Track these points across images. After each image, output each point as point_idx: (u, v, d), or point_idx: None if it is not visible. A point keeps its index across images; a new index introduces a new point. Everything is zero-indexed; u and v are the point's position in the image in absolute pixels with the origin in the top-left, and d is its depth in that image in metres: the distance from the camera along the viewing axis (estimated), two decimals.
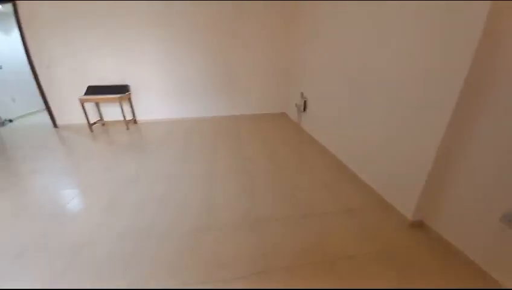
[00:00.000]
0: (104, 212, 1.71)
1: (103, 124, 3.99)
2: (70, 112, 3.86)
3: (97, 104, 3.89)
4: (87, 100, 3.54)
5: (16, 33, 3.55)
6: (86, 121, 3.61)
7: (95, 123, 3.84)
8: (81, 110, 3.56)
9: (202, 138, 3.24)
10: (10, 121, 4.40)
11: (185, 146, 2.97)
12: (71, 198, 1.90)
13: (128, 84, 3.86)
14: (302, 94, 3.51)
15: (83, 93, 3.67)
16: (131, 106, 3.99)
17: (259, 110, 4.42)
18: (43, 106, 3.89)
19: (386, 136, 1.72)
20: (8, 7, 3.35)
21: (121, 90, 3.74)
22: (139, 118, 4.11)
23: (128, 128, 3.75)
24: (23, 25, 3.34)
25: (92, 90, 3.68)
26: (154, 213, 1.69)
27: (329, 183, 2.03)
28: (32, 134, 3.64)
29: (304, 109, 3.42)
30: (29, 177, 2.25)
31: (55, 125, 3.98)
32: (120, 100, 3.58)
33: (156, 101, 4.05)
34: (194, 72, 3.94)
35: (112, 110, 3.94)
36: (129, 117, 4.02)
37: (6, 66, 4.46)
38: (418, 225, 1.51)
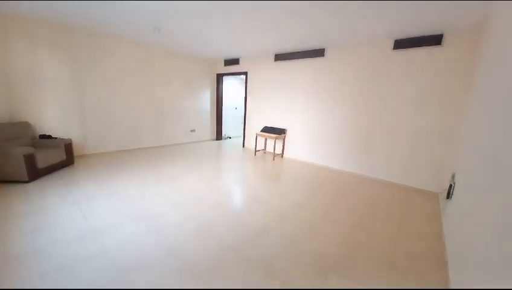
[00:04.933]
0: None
1: (264, 152, 5.60)
2: (251, 140, 5.90)
3: (265, 139, 5.58)
4: (260, 135, 5.28)
5: (242, 89, 6.22)
6: (254, 147, 5.39)
7: (259, 150, 5.54)
8: (255, 140, 5.37)
9: (329, 189, 3.39)
10: (229, 137, 7.54)
11: (308, 191, 3.26)
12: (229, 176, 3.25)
13: (286, 128, 5.15)
14: (453, 176, 2.61)
15: (260, 130, 5.50)
16: (283, 145, 5.23)
17: (404, 181, 3.74)
18: (242, 133, 6.33)
19: None
20: (243, 78, 6.04)
21: (280, 132, 5.10)
22: (286, 154, 5.26)
23: (274, 159, 4.99)
24: (248, 86, 5.83)
25: (265, 129, 5.40)
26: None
27: None
28: (232, 147, 6.09)
29: (449, 196, 2.52)
30: (224, 160, 4.04)
31: (243, 145, 6.26)
32: (276, 138, 4.93)
33: (301, 146, 4.96)
34: (338, 127, 4.37)
35: (272, 144, 5.44)
36: (279, 152, 5.29)
37: (238, 108, 7.76)
38: None
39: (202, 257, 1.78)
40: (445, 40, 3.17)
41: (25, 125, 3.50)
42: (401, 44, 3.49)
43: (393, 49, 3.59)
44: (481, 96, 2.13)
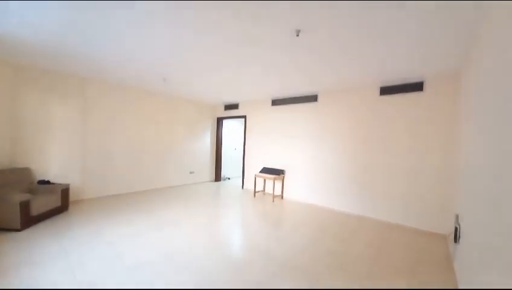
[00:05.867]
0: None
1: (264, 193, 5.51)
2: (250, 181, 5.86)
3: (264, 180, 5.56)
4: (259, 176, 5.27)
5: (242, 131, 6.43)
6: (253, 189, 5.32)
7: (258, 191, 5.47)
8: (254, 181, 5.34)
9: (330, 233, 3.24)
10: (228, 178, 7.49)
11: (309, 235, 3.12)
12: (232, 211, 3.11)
13: (284, 169, 5.18)
14: (457, 218, 2.54)
15: (259, 171, 5.52)
16: (282, 185, 5.19)
17: (407, 222, 3.62)
18: (241, 174, 6.32)
19: None
20: (242, 120, 6.32)
21: (279, 172, 5.12)
22: (285, 195, 5.18)
23: (273, 201, 4.88)
24: (246, 129, 6.06)
25: (264, 170, 5.42)
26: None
27: None
28: (231, 188, 6.01)
29: (456, 239, 2.41)
30: (223, 203, 3.93)
31: (242, 187, 6.19)
32: (274, 179, 4.91)
33: (300, 186, 4.92)
34: (335, 168, 4.41)
35: (271, 185, 5.39)
36: (278, 193, 5.22)
37: (237, 149, 7.91)
38: None
39: None
40: (426, 86, 3.46)
41: (25, 171, 3.53)
42: (387, 91, 3.80)
43: (380, 95, 3.88)
44: (473, 136, 2.23)
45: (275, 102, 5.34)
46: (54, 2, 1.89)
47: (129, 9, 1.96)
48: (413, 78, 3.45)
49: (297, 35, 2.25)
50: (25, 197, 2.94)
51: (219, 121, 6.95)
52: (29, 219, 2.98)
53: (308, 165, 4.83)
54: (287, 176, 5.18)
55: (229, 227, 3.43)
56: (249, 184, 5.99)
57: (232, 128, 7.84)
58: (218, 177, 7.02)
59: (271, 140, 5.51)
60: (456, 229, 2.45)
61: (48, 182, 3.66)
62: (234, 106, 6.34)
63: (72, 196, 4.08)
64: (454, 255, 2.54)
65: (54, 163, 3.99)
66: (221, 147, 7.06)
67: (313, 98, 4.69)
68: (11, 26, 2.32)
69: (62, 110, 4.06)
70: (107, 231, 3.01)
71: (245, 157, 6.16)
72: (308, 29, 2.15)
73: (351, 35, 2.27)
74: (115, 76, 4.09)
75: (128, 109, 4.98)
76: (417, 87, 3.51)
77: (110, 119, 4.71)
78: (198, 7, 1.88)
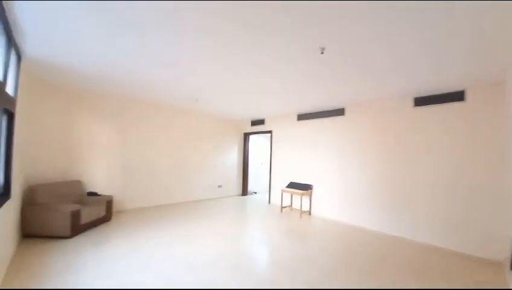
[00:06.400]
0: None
1: (291, 209, 5.40)
2: (277, 196, 5.81)
3: (291, 195, 5.47)
4: (285, 191, 5.21)
5: (268, 145, 6.48)
6: (280, 203, 5.25)
7: (285, 207, 5.38)
8: (281, 196, 5.28)
9: (362, 254, 3.03)
10: (255, 193, 7.51)
11: (338, 255, 2.96)
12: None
13: (312, 184, 5.05)
14: None
15: (285, 186, 5.46)
16: (310, 201, 5.04)
17: (451, 245, 3.22)
18: (267, 188, 6.31)
19: None
20: (268, 135, 6.39)
21: (306, 187, 5.00)
22: (313, 211, 5.00)
23: (301, 217, 4.74)
24: (273, 143, 6.11)
25: (291, 185, 5.35)
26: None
27: None
28: (257, 202, 6.00)
29: None
30: (250, 217, 3.96)
31: (269, 201, 6.15)
32: (302, 195, 4.81)
33: (329, 202, 4.73)
34: (367, 183, 4.18)
35: (298, 200, 5.27)
36: (306, 208, 5.07)
37: (264, 163, 7.95)
38: None
39: None
40: (468, 96, 3.18)
41: (77, 184, 3.98)
42: (422, 102, 3.57)
43: (414, 106, 3.66)
44: None
45: (301, 117, 5.35)
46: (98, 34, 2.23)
47: (176, 45, 2.22)
48: (452, 87, 3.21)
49: (322, 53, 2.30)
50: (76, 207, 3.31)
51: (246, 136, 7.13)
52: (78, 228, 3.32)
53: (336, 181, 4.65)
54: (314, 191, 5.03)
55: (255, 242, 3.41)
56: (275, 199, 5.93)
57: (258, 144, 7.97)
58: (244, 191, 7.09)
59: (297, 155, 5.46)
60: None
61: (95, 194, 4.08)
62: (260, 122, 6.48)
63: (114, 207, 4.48)
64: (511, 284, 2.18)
65: (99, 176, 4.46)
66: (247, 161, 7.18)
67: (340, 112, 4.60)
68: (69, 56, 2.77)
69: (105, 129, 4.56)
70: (144, 241, 3.22)
71: (271, 172, 6.16)
72: (335, 44, 2.19)
73: (393, 50, 2.23)
74: (151, 96, 4.53)
75: (163, 126, 5.41)
76: (457, 96, 3.25)
77: (146, 137, 5.15)
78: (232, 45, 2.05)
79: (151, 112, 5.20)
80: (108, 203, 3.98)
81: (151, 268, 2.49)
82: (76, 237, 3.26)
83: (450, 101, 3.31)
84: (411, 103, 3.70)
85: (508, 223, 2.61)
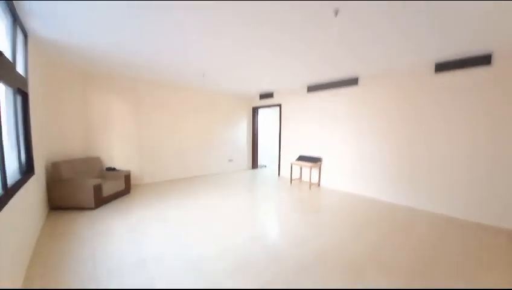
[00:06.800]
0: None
1: (300, 181, 5.51)
2: (287, 169, 5.90)
3: (301, 167, 5.53)
4: (295, 164, 5.26)
5: (277, 119, 6.41)
6: (289, 176, 5.35)
7: (295, 179, 5.48)
8: (290, 169, 5.37)
9: (374, 224, 3.08)
10: (265, 166, 7.66)
11: (350, 225, 3.01)
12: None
13: (321, 157, 5.06)
14: None
15: (295, 159, 5.50)
16: (319, 173, 5.10)
17: (469, 216, 3.23)
18: (277, 161, 6.40)
19: None
20: (277, 109, 6.28)
21: (316, 160, 5.02)
22: (322, 183, 5.08)
23: (310, 189, 4.85)
24: (282, 117, 6.04)
25: (300, 158, 5.38)
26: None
27: None
28: (267, 175, 6.16)
29: None
30: (260, 190, 4.14)
31: (279, 174, 6.28)
32: (311, 167, 4.86)
33: (339, 174, 4.77)
34: (379, 154, 4.14)
35: (308, 173, 5.35)
36: (315, 180, 5.15)
37: (273, 137, 7.95)
38: None
39: None
40: (495, 59, 2.91)
41: (97, 160, 4.20)
42: (444, 67, 3.31)
43: (436, 72, 3.41)
44: None
45: (311, 88, 5.15)
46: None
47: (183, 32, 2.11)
48: (477, 51, 2.93)
49: (336, 16, 2.11)
50: (97, 181, 3.53)
51: (255, 110, 7.05)
52: (101, 200, 3.59)
53: (347, 153, 4.61)
54: (324, 163, 5.05)
55: (266, 213, 3.57)
56: (285, 172, 6.03)
57: (268, 118, 7.89)
58: (255, 165, 7.23)
59: (307, 127, 5.39)
60: None
61: (114, 169, 4.30)
62: (269, 95, 6.33)
63: (133, 181, 4.76)
64: None
65: (117, 153, 4.68)
66: (257, 135, 7.20)
67: (353, 82, 4.37)
68: (83, 37, 2.73)
69: (119, 108, 4.69)
70: (163, 211, 3.45)
71: (281, 145, 6.18)
72: (351, 4, 2.00)
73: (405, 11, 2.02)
74: (162, 76, 4.50)
75: (175, 104, 5.47)
76: (484, 60, 2.98)
77: (159, 114, 5.25)
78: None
79: (163, 91, 5.28)
80: (127, 177, 4.21)
81: (175, 234, 2.71)
82: (100, 208, 3.54)
83: (475, 66, 3.05)
84: (432, 69, 3.45)
85: None
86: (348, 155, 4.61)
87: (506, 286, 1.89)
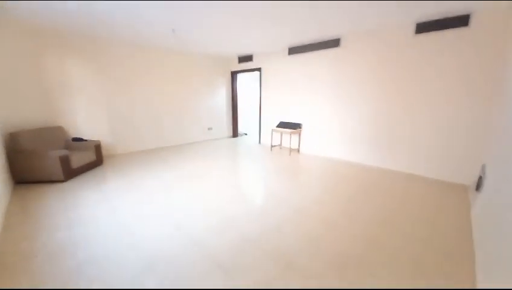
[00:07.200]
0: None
1: (280, 148, 5.60)
2: (267, 136, 5.91)
3: (281, 134, 5.57)
4: (275, 130, 5.27)
5: (257, 85, 6.20)
6: (270, 143, 5.40)
7: (275, 146, 5.55)
8: (271, 136, 5.38)
9: (348, 184, 3.30)
10: (246, 134, 7.62)
11: (326, 186, 3.20)
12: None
13: (301, 123, 5.10)
14: (483, 167, 2.43)
15: (275, 125, 5.49)
16: (299, 139, 5.19)
17: (429, 173, 3.55)
18: (258, 129, 6.37)
19: None
20: (257, 73, 6.02)
21: (295, 126, 5.06)
22: (302, 149, 5.22)
23: (290, 154, 4.97)
24: (262, 82, 5.83)
25: (280, 124, 5.38)
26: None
27: None
28: (247, 143, 6.16)
29: (478, 188, 2.36)
30: (241, 157, 4.15)
31: (259, 142, 6.30)
32: (291, 133, 4.90)
33: (317, 140, 4.89)
34: (356, 118, 4.24)
35: (288, 139, 5.42)
36: (295, 147, 5.26)
37: (253, 104, 7.77)
38: None
39: (225, 249, 1.87)
40: (472, 21, 2.92)
41: (59, 130, 3.83)
42: (424, 28, 3.28)
43: (416, 33, 3.37)
44: None
45: (292, 50, 4.92)
46: None
47: None
48: (457, 11, 2.91)
49: None
50: (63, 152, 3.26)
51: (233, 75, 6.70)
52: (71, 171, 3.36)
53: (326, 118, 4.68)
54: (304, 129, 5.12)
55: (247, 178, 3.63)
56: (265, 139, 6.06)
57: (247, 84, 7.59)
58: (235, 133, 7.14)
59: (288, 93, 5.29)
60: (480, 177, 2.38)
61: (81, 139, 3.98)
62: (248, 58, 5.97)
63: (104, 152, 4.48)
64: (473, 202, 2.52)
65: (84, 122, 4.29)
66: (236, 102, 6.97)
67: (334, 43, 4.22)
68: None
69: (81, 72, 4.18)
70: (140, 181, 3.35)
71: (261, 112, 6.08)
72: None
73: None
74: (125, 35, 3.95)
75: (147, 68, 5.00)
76: (462, 21, 2.98)
77: (130, 80, 4.80)
78: None
79: (132, 54, 4.77)
80: (97, 147, 3.94)
81: (153, 203, 2.66)
82: (71, 181, 3.33)
83: (453, 27, 3.05)
84: (413, 30, 3.40)
85: (481, 153, 2.82)
86: (326, 121, 4.68)
87: (449, 220, 2.18)
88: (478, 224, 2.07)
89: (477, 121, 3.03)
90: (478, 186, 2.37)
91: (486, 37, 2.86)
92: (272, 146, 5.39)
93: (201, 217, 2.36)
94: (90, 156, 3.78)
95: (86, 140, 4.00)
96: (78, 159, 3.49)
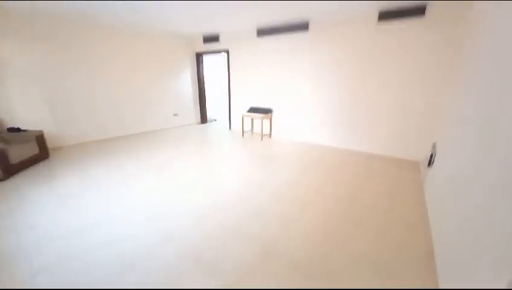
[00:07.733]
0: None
1: (252, 133, 5.56)
2: (238, 122, 5.80)
3: (252, 119, 5.51)
4: (246, 116, 5.18)
5: (225, 68, 5.95)
6: (241, 129, 5.32)
7: (246, 132, 5.49)
8: (242, 122, 5.29)
9: (318, 166, 3.45)
10: (215, 120, 7.37)
11: (298, 169, 3.31)
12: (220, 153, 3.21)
13: (272, 108, 5.10)
14: (433, 146, 2.77)
15: (246, 111, 5.39)
16: (270, 124, 5.21)
17: (387, 152, 3.92)
18: (227, 115, 6.19)
19: None
20: (225, 55, 5.75)
21: (266, 111, 5.04)
22: (273, 134, 5.26)
23: (262, 140, 4.98)
24: (230, 65, 5.60)
25: (251, 109, 5.30)
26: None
27: None
28: (217, 129, 5.97)
29: (429, 164, 2.69)
30: (211, 144, 3.97)
31: (230, 127, 6.16)
32: (262, 118, 4.88)
33: (288, 124, 4.97)
34: (323, 103, 4.38)
35: (259, 125, 5.39)
36: (267, 132, 5.28)
37: (222, 89, 7.49)
38: None
39: (202, 239, 1.80)
40: (428, 11, 3.16)
41: None
42: (386, 16, 3.44)
43: (378, 21, 3.53)
44: (469, 69, 2.19)
45: (261, 32, 4.76)
46: None
47: None
48: (413, 3, 3.10)
49: None
50: None
51: (198, 56, 6.27)
52: (10, 168, 2.83)
53: (296, 102, 4.75)
54: (274, 114, 5.14)
55: (220, 165, 3.53)
56: (236, 125, 5.94)
57: (215, 67, 7.22)
58: (204, 119, 6.84)
59: (257, 77, 5.18)
60: (431, 155, 2.70)
61: (18, 129, 3.35)
62: (214, 38, 5.61)
63: (50, 143, 3.86)
64: (426, 176, 2.87)
65: (21, 110, 3.62)
66: (203, 86, 6.61)
67: (303, 27, 4.20)
68: None
69: (24, 53, 3.54)
70: (95, 174, 2.99)
71: (231, 96, 5.89)
72: None
73: None
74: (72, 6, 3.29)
75: (98, 50, 4.35)
76: (419, 11, 3.20)
77: (81, 63, 4.19)
78: None
79: (83, 31, 4.10)
80: (39, 138, 3.37)
81: (113, 199, 2.41)
82: (12, 178, 2.82)
83: (411, 16, 3.27)
84: (376, 17, 3.54)
85: (433, 133, 3.19)
86: (297, 105, 4.76)
87: (399, 188, 2.47)
88: (429, 195, 2.37)
89: (430, 104, 3.39)
90: (430, 162, 2.70)
91: (440, 27, 3.13)
92: (243, 132, 5.32)
93: (179, 206, 2.23)
94: (33, 149, 3.22)
95: (24, 130, 3.38)
96: (17, 153, 2.94)
